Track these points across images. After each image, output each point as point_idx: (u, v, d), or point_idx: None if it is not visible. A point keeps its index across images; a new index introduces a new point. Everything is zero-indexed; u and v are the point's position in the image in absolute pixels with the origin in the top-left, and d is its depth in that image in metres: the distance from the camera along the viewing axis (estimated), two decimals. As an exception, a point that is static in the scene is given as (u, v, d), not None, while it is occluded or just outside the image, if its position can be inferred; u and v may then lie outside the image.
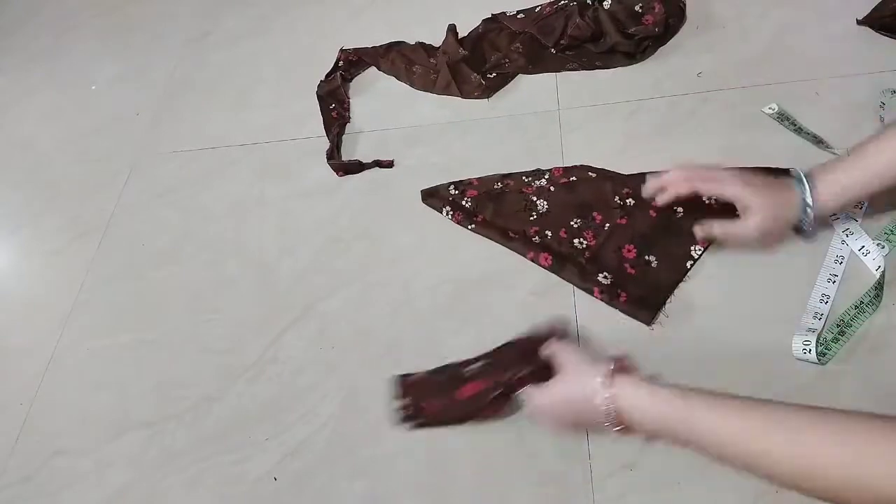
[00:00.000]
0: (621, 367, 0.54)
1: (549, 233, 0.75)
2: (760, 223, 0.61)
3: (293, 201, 0.89)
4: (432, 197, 0.82)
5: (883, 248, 0.65)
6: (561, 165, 0.81)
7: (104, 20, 1.30)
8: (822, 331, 0.61)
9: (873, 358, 0.60)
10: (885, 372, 0.59)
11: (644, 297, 0.68)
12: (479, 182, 0.82)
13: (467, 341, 0.71)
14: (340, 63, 1.02)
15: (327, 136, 0.93)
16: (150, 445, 0.73)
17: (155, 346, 0.80)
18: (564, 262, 0.72)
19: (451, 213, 0.80)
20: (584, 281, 0.70)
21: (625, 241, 0.72)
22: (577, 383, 0.55)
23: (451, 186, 0.82)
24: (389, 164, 0.89)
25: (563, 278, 0.72)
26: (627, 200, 0.75)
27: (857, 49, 0.81)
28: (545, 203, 0.78)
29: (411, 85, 0.97)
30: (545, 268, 0.73)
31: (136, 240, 0.92)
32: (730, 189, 0.63)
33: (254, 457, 0.69)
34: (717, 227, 0.65)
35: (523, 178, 0.81)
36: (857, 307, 0.62)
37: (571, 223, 0.75)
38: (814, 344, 0.59)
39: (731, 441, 0.47)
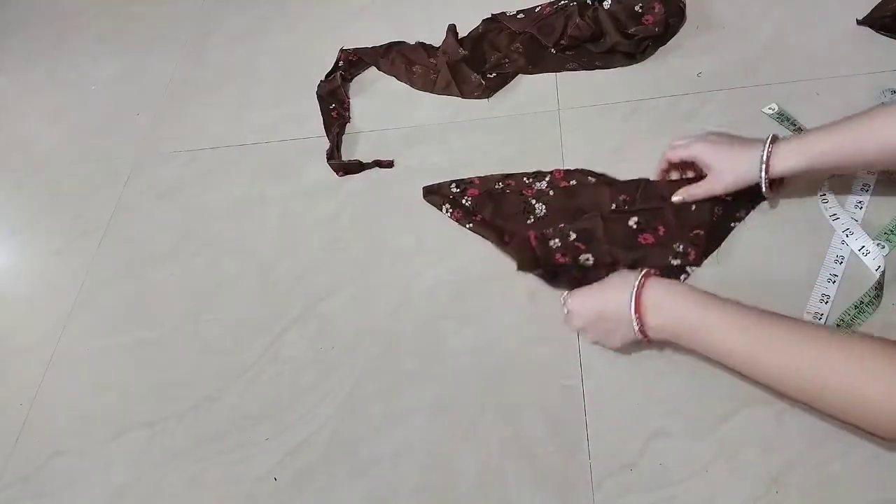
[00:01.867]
0: (653, 273, 0.59)
1: (551, 241, 0.73)
2: (720, 180, 0.65)
3: (293, 201, 0.89)
4: (433, 194, 0.82)
5: (883, 248, 0.65)
6: (562, 168, 0.80)
7: (104, 20, 1.30)
8: (822, 331, 0.61)
9: (873, 358, 0.60)
10: (885, 372, 0.59)
11: None
12: (481, 181, 0.82)
13: (467, 341, 0.71)
14: (340, 63, 1.02)
15: (327, 136, 0.93)
16: (150, 445, 0.73)
17: (155, 346, 0.80)
18: (557, 275, 0.71)
19: (451, 210, 0.80)
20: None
21: (619, 256, 0.71)
22: (613, 293, 0.59)
23: (453, 185, 0.83)
24: (389, 164, 0.89)
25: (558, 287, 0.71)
26: (625, 208, 0.74)
27: (857, 49, 0.81)
28: (543, 207, 0.77)
29: (411, 85, 0.97)
30: (539, 276, 0.72)
31: (136, 240, 0.92)
32: (696, 149, 0.66)
33: (254, 457, 0.69)
34: (682, 192, 0.69)
35: (524, 179, 0.80)
36: (857, 307, 0.62)
37: (569, 237, 0.73)
38: (814, 344, 0.59)
39: (736, 356, 0.53)
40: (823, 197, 0.69)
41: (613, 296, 0.59)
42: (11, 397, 0.80)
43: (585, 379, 0.65)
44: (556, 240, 0.73)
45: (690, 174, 0.72)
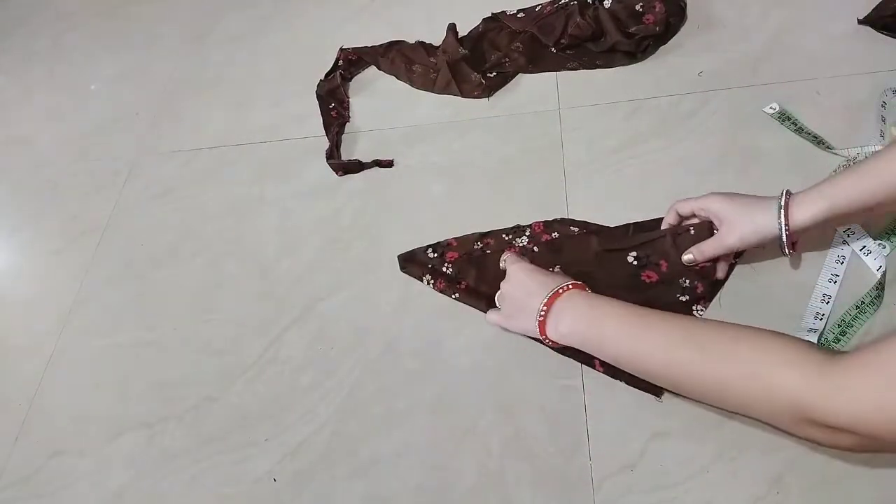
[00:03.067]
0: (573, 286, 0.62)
1: None
2: (739, 237, 0.60)
3: (293, 201, 0.89)
4: (411, 263, 0.77)
5: (884, 247, 0.65)
6: (540, 220, 0.76)
7: (104, 20, 1.30)
8: (823, 331, 0.61)
9: (874, 358, 0.60)
10: (886, 372, 0.59)
11: None
12: (458, 243, 0.77)
13: (467, 341, 0.71)
14: (340, 62, 1.02)
15: (327, 135, 0.93)
16: (149, 445, 0.73)
17: (154, 346, 0.80)
18: None
19: (433, 281, 0.75)
20: (585, 355, 0.63)
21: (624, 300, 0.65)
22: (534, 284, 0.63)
23: (429, 250, 0.77)
24: (389, 164, 0.89)
25: (563, 354, 0.66)
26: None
27: (858, 49, 0.81)
28: None
29: (411, 84, 0.97)
30: (540, 341, 0.65)
31: (135, 240, 0.92)
32: (708, 200, 0.62)
33: (254, 457, 0.69)
34: (692, 251, 0.64)
35: (503, 235, 0.76)
36: (858, 307, 0.62)
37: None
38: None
39: (627, 358, 0.57)
40: (824, 196, 0.69)
41: (538, 285, 0.62)
42: (11, 397, 0.80)
43: (586, 379, 0.65)
44: None
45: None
